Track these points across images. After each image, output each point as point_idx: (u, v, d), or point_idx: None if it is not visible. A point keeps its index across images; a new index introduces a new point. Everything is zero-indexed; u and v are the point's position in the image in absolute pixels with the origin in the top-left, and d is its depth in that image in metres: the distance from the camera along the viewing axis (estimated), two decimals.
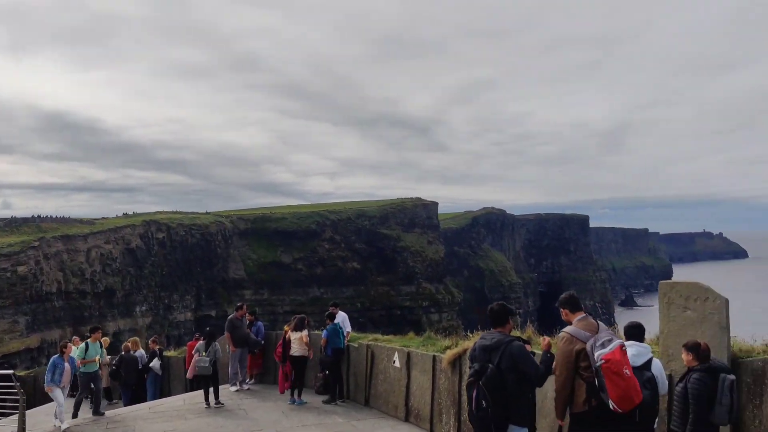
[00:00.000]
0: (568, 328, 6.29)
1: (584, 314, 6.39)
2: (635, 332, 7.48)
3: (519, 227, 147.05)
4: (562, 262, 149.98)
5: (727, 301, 8.44)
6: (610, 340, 5.80)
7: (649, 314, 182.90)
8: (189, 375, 15.13)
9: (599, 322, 6.42)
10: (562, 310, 6.57)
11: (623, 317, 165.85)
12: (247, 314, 17.03)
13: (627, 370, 5.65)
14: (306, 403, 14.29)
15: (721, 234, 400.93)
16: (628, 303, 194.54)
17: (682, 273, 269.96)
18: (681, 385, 7.17)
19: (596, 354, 5.77)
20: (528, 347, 6.14)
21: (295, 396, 14.48)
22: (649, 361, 6.94)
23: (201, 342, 14.90)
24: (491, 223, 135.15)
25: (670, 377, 8.27)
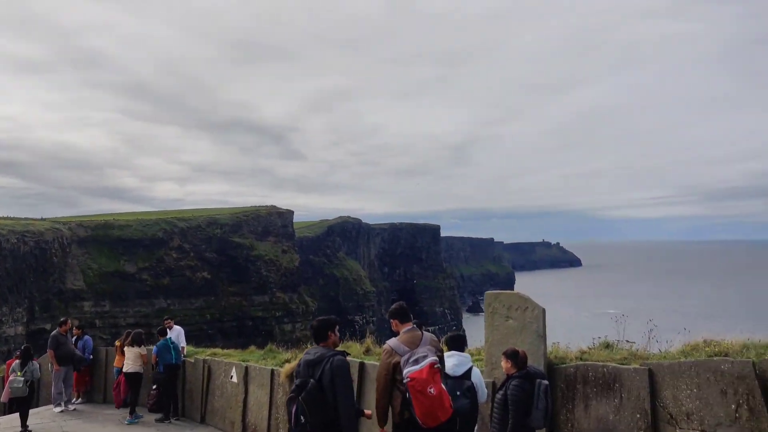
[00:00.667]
0: (390, 341, 6.34)
1: (412, 326, 6.45)
2: (456, 342, 7.70)
3: (374, 236, 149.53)
4: (414, 270, 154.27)
5: (544, 310, 8.95)
6: (424, 357, 5.88)
7: None
8: (3, 398, 13.80)
9: (426, 334, 6.51)
10: (391, 320, 6.61)
11: (470, 322, 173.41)
12: (73, 328, 15.86)
13: (432, 389, 5.72)
14: (138, 421, 13.51)
15: (558, 244, 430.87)
16: (475, 309, 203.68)
17: (523, 280, 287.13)
18: (501, 392, 7.46)
19: (405, 371, 5.85)
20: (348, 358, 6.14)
21: (128, 414, 13.73)
22: (469, 371, 7.15)
23: (17, 361, 13.61)
24: (347, 232, 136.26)
25: (493, 385, 8.62)
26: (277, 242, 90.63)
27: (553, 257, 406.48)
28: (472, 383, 7.03)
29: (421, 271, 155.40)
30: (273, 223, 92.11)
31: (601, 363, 8.49)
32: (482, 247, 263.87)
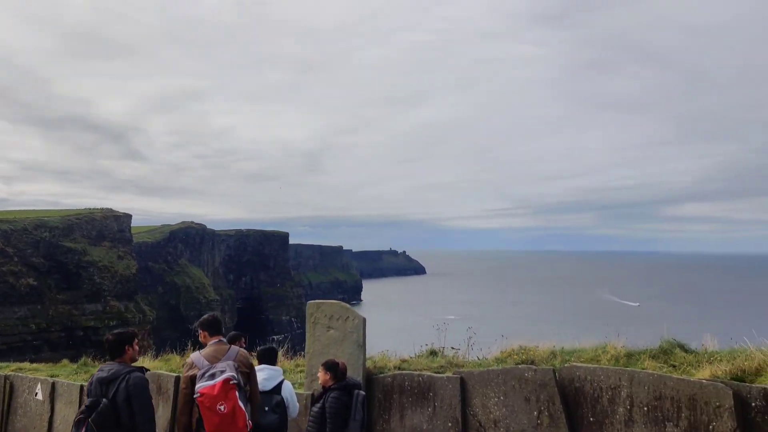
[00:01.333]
0: (193, 354, 6.12)
1: (220, 339, 6.26)
2: (266, 356, 7.58)
3: (219, 242, 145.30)
4: (261, 277, 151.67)
5: (364, 320, 9.08)
6: (222, 372, 5.72)
7: None
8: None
9: (235, 348, 6.32)
10: (200, 331, 6.37)
11: None
12: None
13: (223, 406, 5.56)
14: None
15: (404, 252, 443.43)
16: None
17: (371, 287, 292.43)
18: (319, 405, 7.43)
19: (197, 386, 5.68)
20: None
21: None
22: (280, 385, 7.07)
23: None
24: (190, 238, 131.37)
25: (312, 397, 8.58)
26: (112, 247, 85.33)
27: (400, 265, 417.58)
28: (282, 398, 6.94)
29: (268, 279, 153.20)
30: (108, 227, 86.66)
31: (417, 372, 8.72)
32: (331, 255, 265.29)
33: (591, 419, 7.56)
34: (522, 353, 10.46)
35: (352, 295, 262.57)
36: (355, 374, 8.23)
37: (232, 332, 7.53)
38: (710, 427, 6.72)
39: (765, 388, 6.78)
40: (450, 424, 8.21)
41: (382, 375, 8.92)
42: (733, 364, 7.98)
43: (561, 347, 10.73)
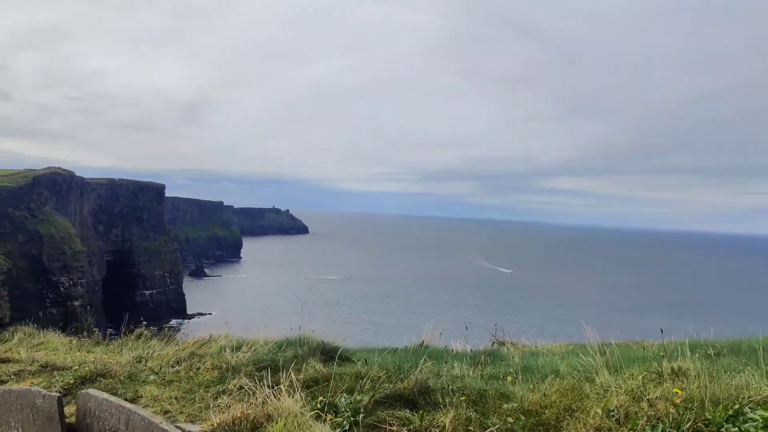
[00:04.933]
0: None
1: None
2: None
3: (89, 191, 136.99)
4: (134, 230, 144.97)
5: None
6: None
7: (217, 284, 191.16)
8: None
9: None
10: None
11: (191, 286, 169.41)
12: None
13: None
14: None
15: (288, 211, 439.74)
16: (198, 273, 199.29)
17: (251, 244, 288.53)
18: None
19: None
20: None
21: None
22: None
23: None
24: (56, 185, 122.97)
25: None
26: None
27: (282, 224, 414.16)
28: None
29: (141, 232, 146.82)
30: None
31: None
32: (210, 210, 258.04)
33: None
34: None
35: (232, 252, 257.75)
36: None
37: None
38: None
39: None
40: None
41: None
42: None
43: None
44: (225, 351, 9.62)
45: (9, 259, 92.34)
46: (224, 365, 8.59)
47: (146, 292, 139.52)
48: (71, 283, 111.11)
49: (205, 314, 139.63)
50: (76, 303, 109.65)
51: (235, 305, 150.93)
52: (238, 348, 9.93)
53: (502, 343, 12.21)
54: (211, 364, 8.76)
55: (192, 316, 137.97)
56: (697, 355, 7.94)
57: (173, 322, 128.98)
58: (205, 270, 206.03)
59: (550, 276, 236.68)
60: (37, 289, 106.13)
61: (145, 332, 11.90)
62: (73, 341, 11.97)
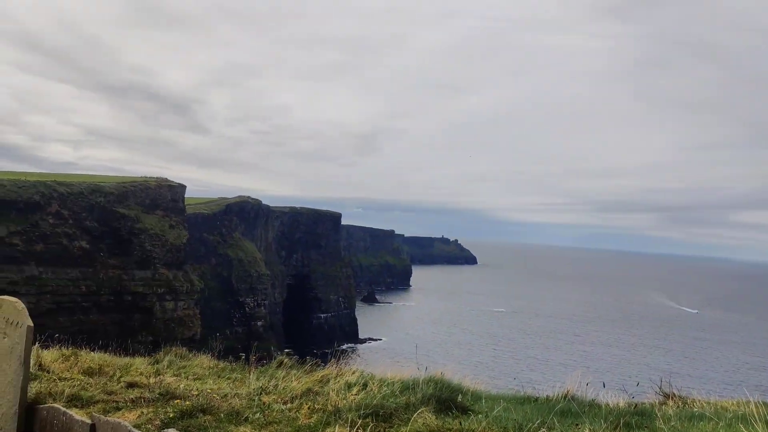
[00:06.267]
0: None
1: None
2: None
3: (273, 218, 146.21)
4: (312, 256, 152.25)
5: (30, 328, 6.62)
6: None
7: (387, 310, 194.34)
8: None
9: None
10: None
11: (364, 312, 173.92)
12: None
13: None
14: None
15: (456, 240, 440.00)
16: (370, 299, 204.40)
17: (420, 273, 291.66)
18: None
19: None
20: None
21: None
22: None
23: None
24: (245, 212, 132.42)
25: None
26: (165, 216, 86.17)
27: (451, 253, 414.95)
28: None
29: (319, 258, 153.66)
30: (162, 196, 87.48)
31: (64, 409, 6.62)
32: (382, 238, 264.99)
33: None
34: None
35: (401, 279, 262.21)
36: (9, 401, 6.29)
37: None
38: None
39: None
40: None
41: (46, 405, 6.94)
42: None
43: None
44: (340, 390, 9.00)
45: (202, 279, 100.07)
46: (331, 407, 7.97)
47: (322, 315, 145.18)
48: (255, 304, 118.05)
49: (376, 339, 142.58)
50: (259, 323, 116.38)
51: (403, 332, 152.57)
52: (364, 386, 9.26)
53: (668, 396, 10.35)
54: (321, 405, 8.17)
55: (364, 341, 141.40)
56: None
57: (345, 346, 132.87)
58: (377, 296, 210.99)
59: (742, 317, 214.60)
60: (225, 309, 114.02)
61: (286, 360, 11.58)
62: (220, 366, 11.92)
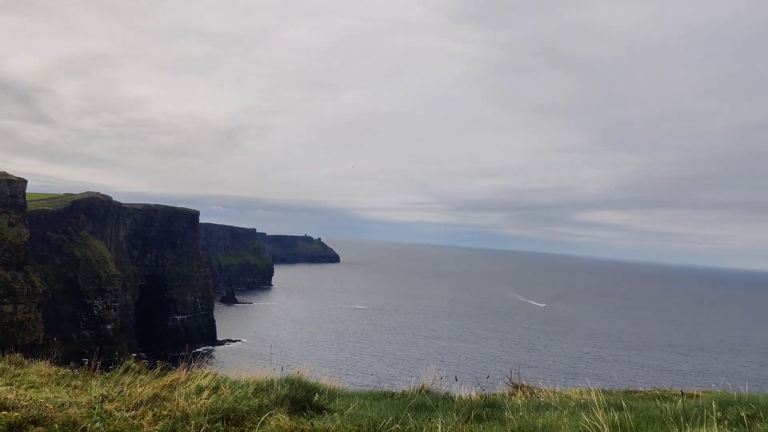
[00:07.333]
0: None
1: None
2: None
3: (125, 216, 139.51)
4: (167, 255, 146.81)
5: None
6: None
7: (247, 311, 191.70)
8: None
9: None
10: None
11: (223, 313, 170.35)
12: None
13: None
14: None
15: (320, 239, 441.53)
16: (229, 300, 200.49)
17: (283, 272, 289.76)
18: None
19: None
20: None
21: None
22: None
23: None
24: (94, 209, 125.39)
25: None
26: (3, 213, 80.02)
27: (314, 252, 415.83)
28: None
29: (174, 257, 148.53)
30: (0, 192, 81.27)
31: None
32: (243, 237, 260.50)
33: None
34: None
35: (263, 279, 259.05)
36: None
37: None
38: None
39: None
40: None
41: None
42: None
43: None
44: (190, 395, 8.63)
45: (45, 281, 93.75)
46: (179, 413, 7.60)
47: (177, 317, 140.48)
48: (105, 306, 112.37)
49: (234, 341, 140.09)
50: (109, 326, 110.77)
51: (263, 333, 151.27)
52: (216, 389, 8.96)
53: (517, 387, 11.51)
54: (168, 411, 7.71)
55: (222, 343, 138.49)
56: (726, 420, 7.12)
57: (202, 348, 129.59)
58: (237, 296, 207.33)
59: (584, 311, 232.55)
60: (71, 312, 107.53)
61: (134, 365, 11.11)
62: (60, 372, 11.23)
